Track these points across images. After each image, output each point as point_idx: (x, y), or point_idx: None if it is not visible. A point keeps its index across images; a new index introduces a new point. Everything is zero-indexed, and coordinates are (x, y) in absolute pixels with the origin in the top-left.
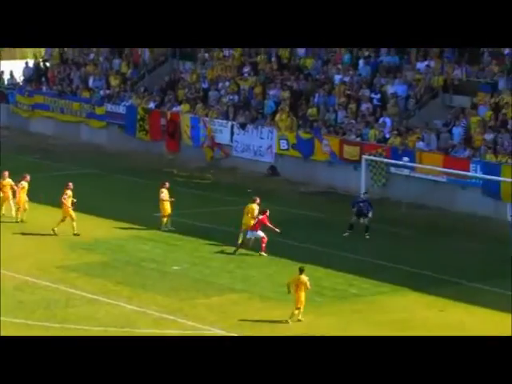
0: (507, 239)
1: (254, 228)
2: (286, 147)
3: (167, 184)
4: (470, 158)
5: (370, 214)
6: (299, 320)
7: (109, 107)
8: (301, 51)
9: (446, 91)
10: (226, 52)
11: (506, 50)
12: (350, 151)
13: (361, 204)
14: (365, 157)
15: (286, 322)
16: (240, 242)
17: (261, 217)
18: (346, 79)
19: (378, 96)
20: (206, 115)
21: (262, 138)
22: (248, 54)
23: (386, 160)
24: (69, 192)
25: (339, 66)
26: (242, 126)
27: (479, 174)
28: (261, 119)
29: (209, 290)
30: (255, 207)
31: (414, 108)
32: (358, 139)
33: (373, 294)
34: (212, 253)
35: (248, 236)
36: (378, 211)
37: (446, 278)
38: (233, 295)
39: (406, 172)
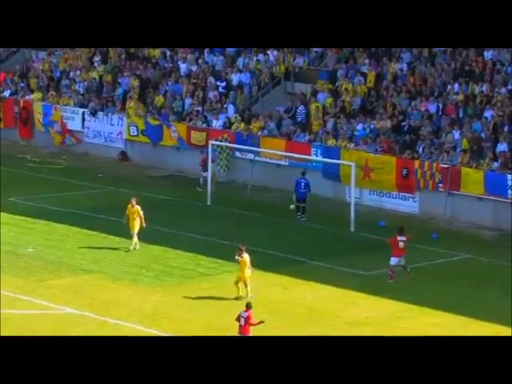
0: (346, 219)
1: (403, 253)
2: (135, 133)
3: None
4: (310, 143)
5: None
6: (245, 297)
7: None
8: None
9: (288, 79)
10: None
11: None
12: (196, 137)
13: (301, 190)
14: (211, 142)
15: (239, 298)
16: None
17: (401, 239)
18: (193, 68)
19: (224, 84)
20: (58, 103)
21: (112, 125)
22: None
23: (231, 145)
24: None
25: (185, 56)
26: (93, 113)
27: (319, 158)
28: (111, 106)
29: (62, 271)
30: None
31: (257, 95)
32: (205, 125)
33: (219, 273)
34: (65, 235)
35: (393, 263)
36: (225, 193)
37: (289, 257)
38: (85, 276)
39: (250, 156)
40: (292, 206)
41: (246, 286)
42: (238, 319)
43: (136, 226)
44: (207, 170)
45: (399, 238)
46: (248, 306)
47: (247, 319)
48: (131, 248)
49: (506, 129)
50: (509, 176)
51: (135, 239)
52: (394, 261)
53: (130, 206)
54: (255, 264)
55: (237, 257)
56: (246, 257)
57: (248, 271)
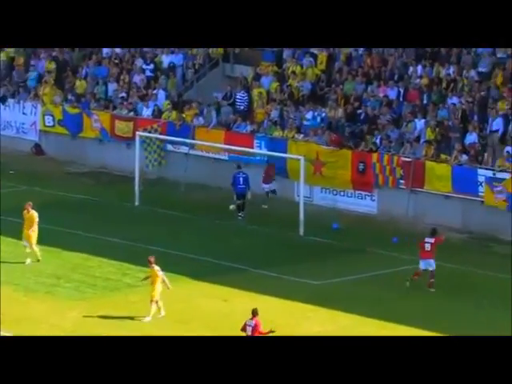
0: (294, 221)
1: (429, 256)
2: (51, 123)
3: None
4: (253, 134)
5: (249, 194)
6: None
7: None
8: None
9: (227, 60)
10: None
11: None
12: (122, 127)
13: (239, 186)
14: (138, 133)
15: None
16: None
17: (428, 240)
18: (117, 49)
19: (151, 67)
20: None
21: (24, 114)
22: None
23: (161, 136)
24: None
25: None
26: (3, 101)
27: (264, 151)
28: (23, 93)
29: None
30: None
31: (192, 79)
32: (131, 114)
33: (149, 284)
34: None
35: (421, 267)
36: (155, 192)
37: (229, 265)
38: None
39: (184, 150)
40: (232, 206)
41: (152, 302)
42: (243, 329)
43: (33, 234)
44: (269, 183)
45: (426, 239)
46: (254, 313)
47: (255, 327)
48: (39, 258)
49: (475, 117)
50: (479, 171)
51: (36, 249)
52: (421, 264)
53: (25, 211)
54: (190, 273)
55: (159, 274)
56: (158, 269)
57: (159, 286)
